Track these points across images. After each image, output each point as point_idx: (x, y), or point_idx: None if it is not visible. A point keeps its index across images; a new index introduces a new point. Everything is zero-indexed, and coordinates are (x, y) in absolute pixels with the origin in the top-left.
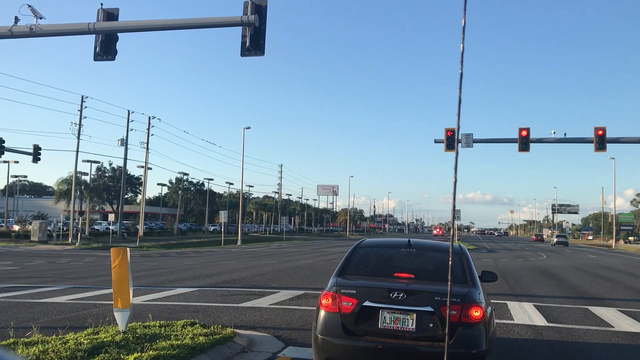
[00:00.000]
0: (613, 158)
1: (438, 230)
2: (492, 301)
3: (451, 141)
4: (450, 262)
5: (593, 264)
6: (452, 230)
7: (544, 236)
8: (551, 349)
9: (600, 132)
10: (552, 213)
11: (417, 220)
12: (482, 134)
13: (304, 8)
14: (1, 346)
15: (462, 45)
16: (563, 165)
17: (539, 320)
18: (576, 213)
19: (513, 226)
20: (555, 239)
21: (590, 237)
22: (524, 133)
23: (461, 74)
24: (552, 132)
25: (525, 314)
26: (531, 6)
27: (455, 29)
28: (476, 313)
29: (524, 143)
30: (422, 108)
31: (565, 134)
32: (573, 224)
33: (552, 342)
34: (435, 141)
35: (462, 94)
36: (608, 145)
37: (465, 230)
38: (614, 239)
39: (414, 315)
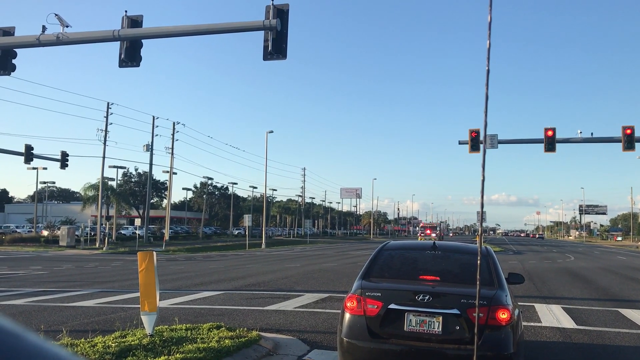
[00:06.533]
0: None
1: (428, 231)
2: (519, 303)
3: (475, 142)
4: (478, 263)
5: (622, 265)
6: (479, 230)
7: (535, 234)
8: (581, 352)
9: (629, 131)
10: (580, 214)
11: (441, 222)
12: (507, 135)
13: (326, 11)
14: (59, 345)
15: (488, 41)
16: (590, 165)
17: (567, 322)
18: (604, 214)
19: (540, 227)
20: (537, 235)
21: (620, 238)
22: (550, 133)
23: (488, 70)
24: (579, 131)
25: (553, 316)
26: (556, 8)
27: (477, 31)
28: (503, 315)
29: (550, 143)
30: (445, 110)
31: (592, 134)
32: (601, 225)
33: (582, 345)
34: (460, 142)
35: (488, 92)
36: (637, 145)
37: (491, 232)
38: None
39: (440, 318)
